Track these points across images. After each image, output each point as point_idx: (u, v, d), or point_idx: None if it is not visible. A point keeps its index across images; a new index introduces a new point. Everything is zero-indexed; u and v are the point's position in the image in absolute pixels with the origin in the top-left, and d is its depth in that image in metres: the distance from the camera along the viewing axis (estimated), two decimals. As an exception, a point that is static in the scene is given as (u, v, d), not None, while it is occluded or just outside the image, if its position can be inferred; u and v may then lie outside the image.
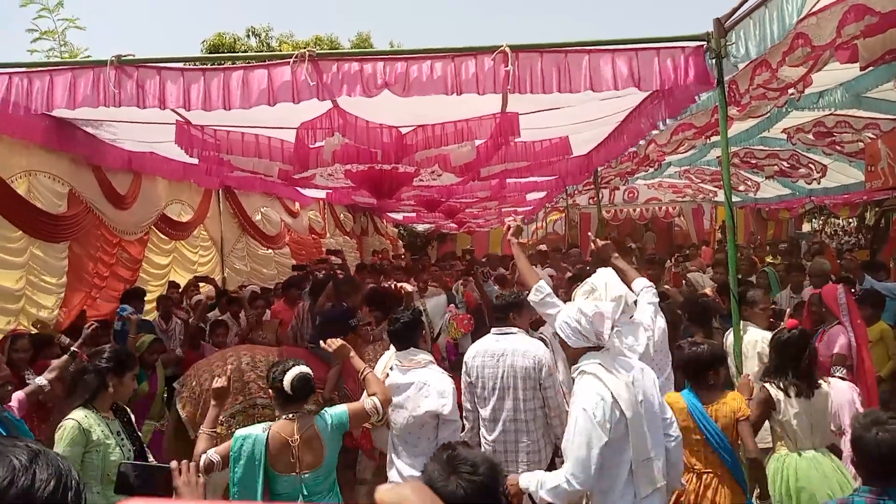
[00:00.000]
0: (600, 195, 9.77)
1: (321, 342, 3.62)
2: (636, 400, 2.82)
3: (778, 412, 3.48)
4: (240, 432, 3.06)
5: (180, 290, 7.53)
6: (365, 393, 3.41)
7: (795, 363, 3.49)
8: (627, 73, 3.90)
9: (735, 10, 3.86)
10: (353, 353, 3.46)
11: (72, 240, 5.95)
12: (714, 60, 3.97)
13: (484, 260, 12.86)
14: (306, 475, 3.03)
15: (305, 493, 3.03)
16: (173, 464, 1.97)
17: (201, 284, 7.99)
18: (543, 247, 13.45)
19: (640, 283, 3.98)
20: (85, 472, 3.03)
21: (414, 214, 14.70)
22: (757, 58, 4.21)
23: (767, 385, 3.54)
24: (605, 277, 3.86)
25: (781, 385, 3.48)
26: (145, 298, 6.54)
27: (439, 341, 6.16)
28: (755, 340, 4.40)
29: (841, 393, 3.70)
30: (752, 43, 3.78)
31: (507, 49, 3.86)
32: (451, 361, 6.40)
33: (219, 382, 3.27)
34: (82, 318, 5.79)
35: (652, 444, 2.86)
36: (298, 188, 9.36)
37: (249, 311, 6.63)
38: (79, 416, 3.12)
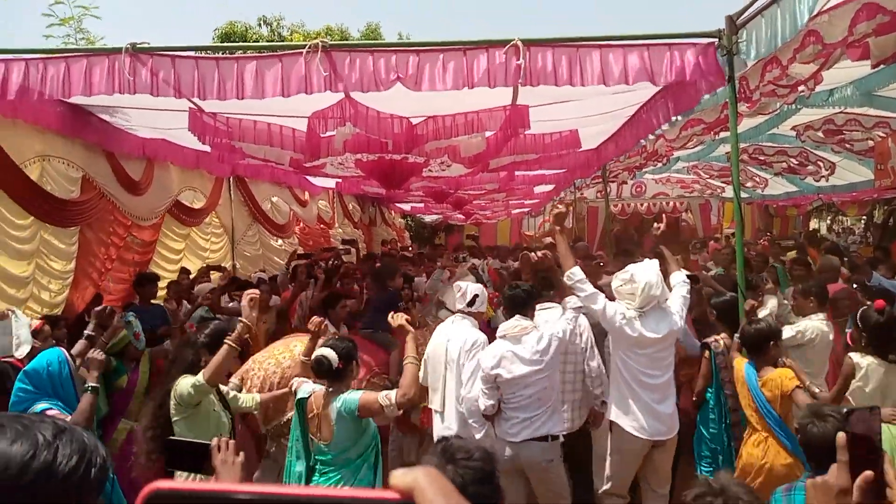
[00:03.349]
0: (608, 189, 9.78)
1: (391, 316, 3.83)
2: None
3: (856, 379, 3.82)
4: (305, 384, 3.46)
5: (191, 278, 7.60)
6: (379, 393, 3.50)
7: (890, 341, 3.82)
8: (639, 67, 3.93)
9: (747, 7, 3.88)
10: (409, 337, 3.57)
11: (83, 225, 6.02)
12: (725, 57, 3.99)
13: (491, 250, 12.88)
14: (320, 444, 3.28)
15: (314, 461, 3.31)
16: (214, 441, 2.02)
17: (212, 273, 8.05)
18: (549, 239, 13.44)
19: (678, 276, 4.45)
20: (199, 436, 3.16)
21: (422, 205, 14.73)
22: (768, 55, 4.22)
23: (852, 355, 3.90)
24: (643, 266, 4.18)
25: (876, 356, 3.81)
26: (158, 283, 6.60)
27: None
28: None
29: None
30: (763, 40, 3.79)
31: (519, 42, 3.89)
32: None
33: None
34: (98, 301, 5.85)
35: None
36: (308, 177, 9.40)
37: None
38: (190, 380, 3.29)
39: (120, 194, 6.36)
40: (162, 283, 6.79)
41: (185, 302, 6.57)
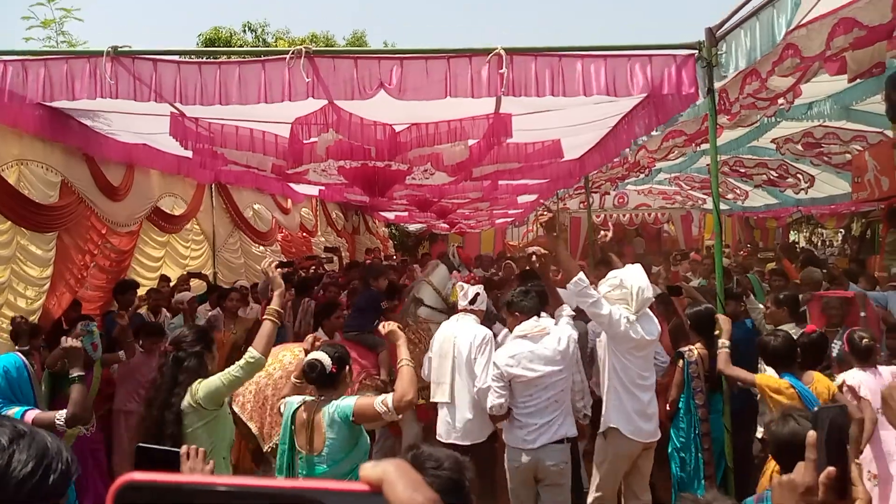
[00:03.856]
0: (590, 200, 9.83)
1: (381, 325, 3.70)
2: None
3: None
4: (289, 399, 3.34)
5: (171, 285, 7.53)
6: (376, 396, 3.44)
7: (815, 364, 3.88)
8: (620, 78, 3.97)
9: (726, 20, 3.93)
10: (401, 341, 3.39)
11: (61, 231, 5.94)
12: (705, 69, 4.04)
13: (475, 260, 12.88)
14: (312, 457, 3.15)
15: (304, 472, 3.14)
16: (183, 448, 2.00)
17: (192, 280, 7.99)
18: (532, 249, 13.48)
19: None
20: (218, 441, 3.19)
21: (406, 214, 14.71)
22: (747, 67, 4.28)
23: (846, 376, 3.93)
24: (630, 271, 4.23)
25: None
26: (137, 291, 6.55)
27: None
28: None
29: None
30: (742, 52, 3.85)
31: (502, 51, 3.91)
32: None
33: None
34: (76, 308, 5.77)
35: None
36: (291, 184, 9.36)
37: (228, 304, 6.43)
38: (217, 376, 3.22)
39: (99, 200, 6.29)
40: (141, 291, 6.74)
41: (164, 310, 6.51)
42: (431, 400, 4.78)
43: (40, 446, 1.15)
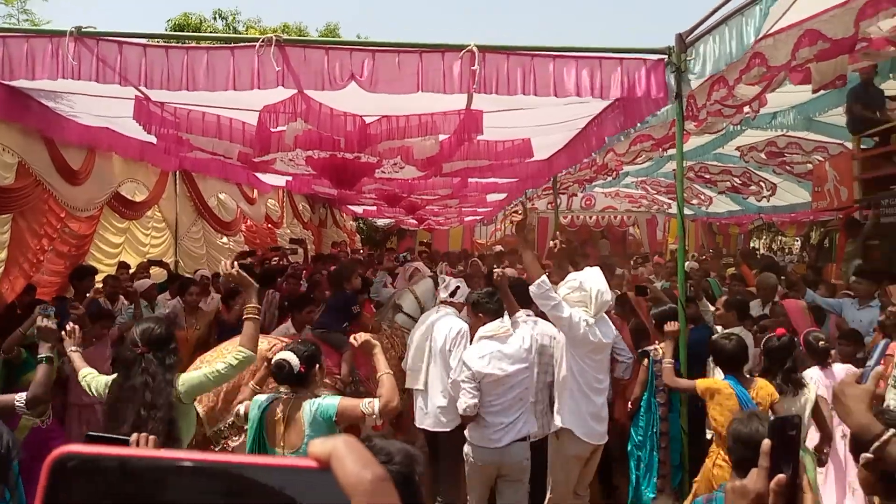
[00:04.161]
0: (558, 200, 9.90)
1: (349, 338, 3.69)
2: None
3: None
4: (257, 397, 3.26)
5: (130, 273, 7.37)
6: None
7: (782, 366, 3.91)
8: (590, 81, 4.00)
9: (696, 26, 3.98)
10: (377, 351, 3.39)
11: (17, 213, 5.77)
12: (674, 74, 4.09)
13: (444, 256, 12.90)
14: (286, 453, 3.07)
15: None
16: (133, 437, 1.96)
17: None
18: (500, 248, 13.55)
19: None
20: (186, 435, 3.15)
21: (375, 209, 14.66)
22: (715, 74, 4.35)
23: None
24: (589, 274, 4.29)
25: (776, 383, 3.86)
26: (95, 277, 6.38)
27: None
28: None
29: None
30: (710, 59, 3.91)
31: (475, 48, 3.91)
32: None
33: (272, 353, 3.38)
34: (31, 293, 5.61)
35: None
36: (258, 174, 9.24)
37: (187, 298, 6.20)
38: (201, 369, 3.23)
39: (57, 183, 6.12)
40: (99, 278, 6.58)
41: (121, 298, 6.36)
42: (406, 386, 4.92)
43: None
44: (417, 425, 4.82)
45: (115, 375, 3.12)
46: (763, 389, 3.74)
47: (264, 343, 4.42)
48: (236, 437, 4.33)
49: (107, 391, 3.11)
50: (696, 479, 3.80)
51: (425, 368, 4.81)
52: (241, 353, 3.20)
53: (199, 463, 0.54)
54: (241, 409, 3.32)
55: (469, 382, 4.01)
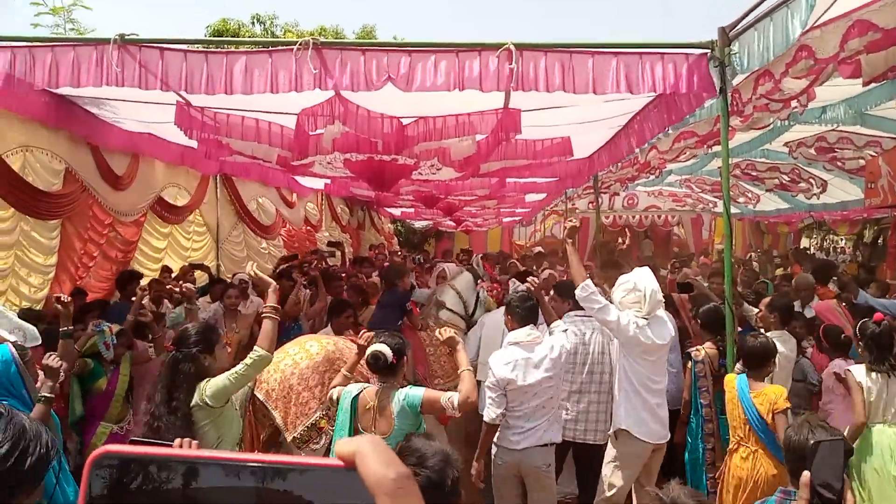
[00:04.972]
0: (599, 200, 9.76)
1: (437, 331, 3.94)
2: None
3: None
4: (348, 386, 3.53)
5: (174, 276, 7.50)
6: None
7: (890, 350, 4.01)
8: (631, 77, 3.92)
9: (740, 19, 3.87)
10: (460, 346, 3.63)
11: (65, 219, 5.93)
12: (717, 68, 3.98)
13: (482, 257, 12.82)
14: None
15: None
16: (176, 442, 1.97)
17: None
18: (540, 249, 13.43)
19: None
20: (224, 435, 3.23)
21: (412, 210, 14.67)
22: (760, 68, 4.21)
23: (853, 369, 4.07)
24: (641, 274, 4.29)
25: (876, 371, 3.99)
26: (140, 281, 6.50)
27: (476, 317, 6.37)
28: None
29: None
30: (755, 53, 3.79)
31: (512, 47, 3.87)
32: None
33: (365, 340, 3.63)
34: (81, 297, 5.73)
35: None
36: (296, 177, 9.33)
37: (227, 302, 6.23)
38: (222, 375, 3.24)
39: (102, 189, 6.28)
40: (144, 282, 6.70)
41: (166, 301, 6.48)
42: (477, 379, 4.96)
43: (17, 428, 1.13)
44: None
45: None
46: (766, 396, 3.71)
47: (329, 342, 4.54)
48: (317, 441, 4.36)
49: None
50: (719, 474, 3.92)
51: None
52: (256, 352, 3.26)
53: (234, 462, 0.57)
54: (335, 393, 3.55)
55: (494, 390, 4.02)
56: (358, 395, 3.43)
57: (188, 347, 3.23)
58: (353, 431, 3.39)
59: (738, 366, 4.04)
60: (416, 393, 3.36)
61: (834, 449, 1.31)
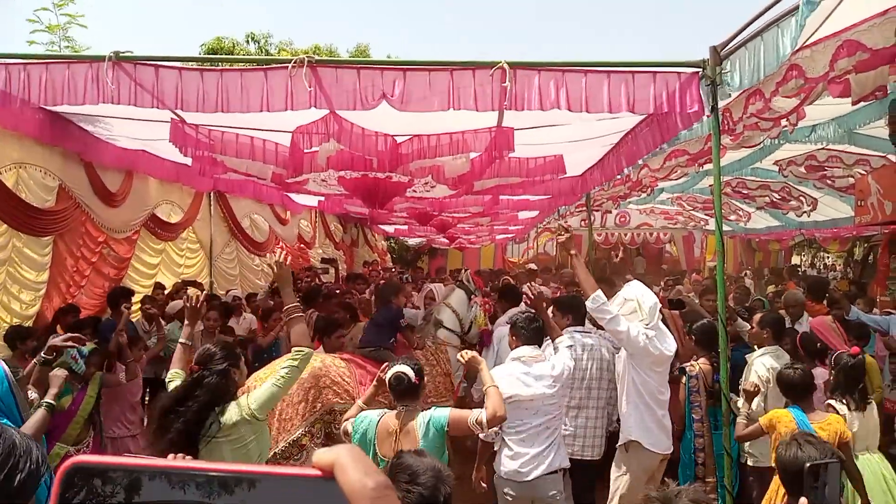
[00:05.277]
0: (592, 218, 9.80)
1: (458, 354, 3.90)
2: None
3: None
4: (363, 413, 3.46)
5: (166, 294, 7.47)
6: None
7: (857, 384, 4.02)
8: (624, 95, 3.94)
9: (731, 38, 3.91)
10: (483, 366, 3.60)
11: (57, 235, 5.91)
12: (709, 87, 4.02)
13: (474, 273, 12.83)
14: None
15: None
16: (169, 458, 1.95)
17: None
18: (533, 266, 13.45)
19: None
20: (263, 450, 3.21)
21: (406, 227, 14.68)
22: (751, 87, 4.26)
23: (833, 402, 4.01)
24: (633, 287, 4.36)
25: (844, 401, 3.97)
26: (132, 298, 6.48)
27: (471, 333, 6.38)
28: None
29: None
30: (746, 72, 3.83)
31: (506, 65, 3.89)
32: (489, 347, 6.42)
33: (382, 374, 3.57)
34: (74, 313, 5.69)
35: None
36: (291, 194, 9.33)
37: (206, 324, 6.08)
38: (261, 388, 3.22)
39: (96, 205, 6.27)
40: (136, 298, 6.68)
41: (159, 318, 6.43)
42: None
43: (7, 444, 1.11)
44: None
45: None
46: (832, 426, 3.62)
47: (316, 359, 4.50)
48: (298, 457, 4.36)
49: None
50: None
51: None
52: (299, 351, 3.27)
53: (210, 473, 0.56)
54: (349, 426, 3.44)
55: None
56: (379, 420, 3.38)
57: (218, 364, 3.11)
58: (374, 458, 3.31)
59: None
60: (442, 413, 3.33)
61: (830, 472, 1.31)
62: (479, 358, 3.66)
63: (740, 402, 4.09)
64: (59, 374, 3.32)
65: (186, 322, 3.59)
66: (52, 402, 3.15)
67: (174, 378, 3.35)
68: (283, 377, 3.21)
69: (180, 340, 3.49)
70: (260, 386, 3.35)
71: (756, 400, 4.13)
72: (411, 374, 3.36)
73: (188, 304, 3.60)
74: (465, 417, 3.32)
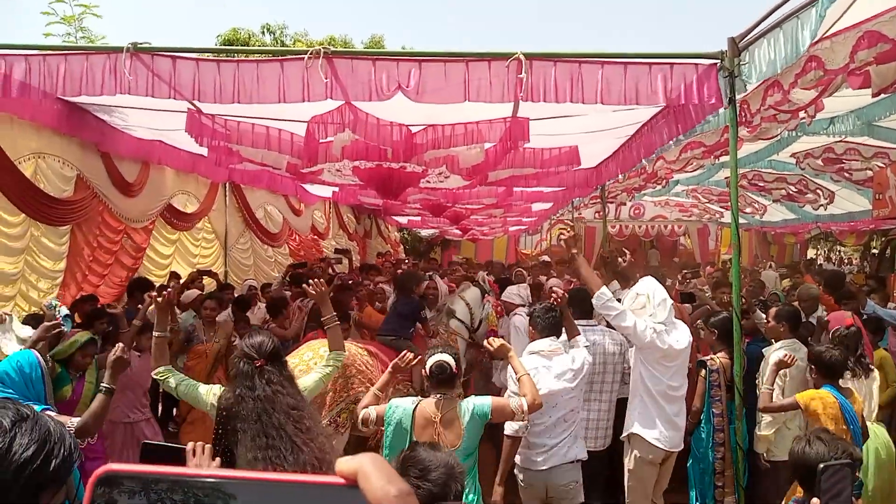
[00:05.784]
0: (606, 210, 9.76)
1: (485, 342, 3.94)
2: None
3: None
4: (393, 401, 3.45)
5: (182, 283, 7.53)
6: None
7: (854, 352, 4.26)
8: (640, 87, 3.92)
9: (750, 30, 3.88)
10: (512, 354, 3.67)
11: (74, 225, 5.97)
12: (726, 79, 3.98)
13: (486, 265, 12.84)
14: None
15: None
16: (189, 445, 1.98)
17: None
18: (546, 258, 13.42)
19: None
20: None
21: (419, 219, 14.70)
22: (769, 78, 4.22)
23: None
24: (646, 283, 4.33)
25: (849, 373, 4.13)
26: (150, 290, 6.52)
27: (479, 332, 6.45)
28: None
29: None
30: (764, 63, 3.80)
31: (522, 56, 3.88)
32: None
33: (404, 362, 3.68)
34: (92, 302, 5.74)
35: None
36: (305, 185, 9.37)
37: (204, 313, 6.08)
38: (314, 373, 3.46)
39: (113, 195, 6.33)
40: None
41: (173, 307, 6.48)
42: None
43: (43, 431, 1.14)
44: None
45: (221, 388, 3.14)
46: (857, 403, 3.76)
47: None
48: None
49: (217, 402, 3.02)
50: None
51: None
52: (340, 354, 3.55)
53: (236, 480, 0.56)
54: (372, 413, 3.38)
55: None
56: (414, 409, 3.35)
57: (280, 357, 3.02)
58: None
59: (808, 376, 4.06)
60: (485, 401, 3.40)
61: (843, 474, 1.31)
62: (507, 346, 3.70)
63: (767, 371, 4.17)
64: (122, 354, 3.25)
65: (157, 318, 3.43)
66: (111, 385, 3.22)
67: (167, 375, 3.28)
68: (327, 374, 3.46)
69: (155, 333, 3.36)
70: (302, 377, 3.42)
71: (775, 392, 4.14)
72: (452, 363, 3.43)
73: (156, 300, 3.43)
74: (507, 405, 3.41)
